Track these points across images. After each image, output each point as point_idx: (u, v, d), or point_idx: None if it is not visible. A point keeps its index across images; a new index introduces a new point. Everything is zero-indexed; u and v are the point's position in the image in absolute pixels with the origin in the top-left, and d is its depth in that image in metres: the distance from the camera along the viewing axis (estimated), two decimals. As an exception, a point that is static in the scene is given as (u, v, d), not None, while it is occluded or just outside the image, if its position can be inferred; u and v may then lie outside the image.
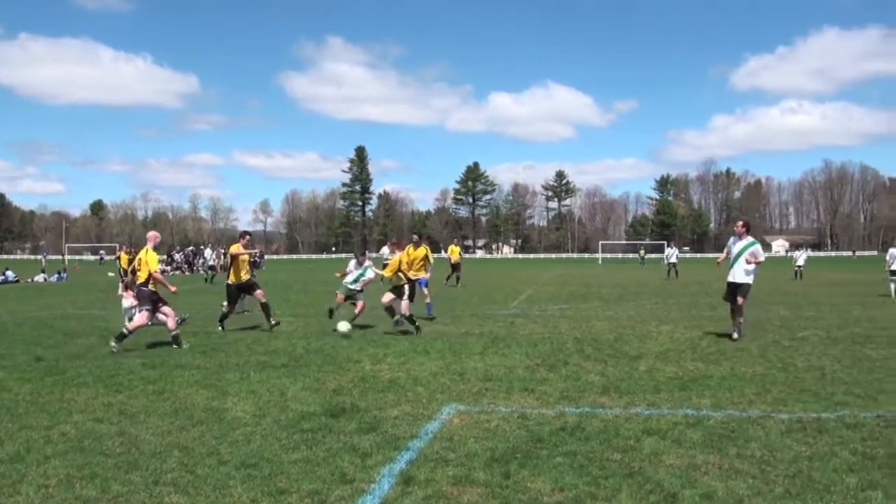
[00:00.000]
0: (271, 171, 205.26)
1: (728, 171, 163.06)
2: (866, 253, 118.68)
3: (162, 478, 5.54)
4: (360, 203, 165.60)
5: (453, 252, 33.15)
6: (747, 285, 13.32)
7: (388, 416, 7.42)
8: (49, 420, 7.34)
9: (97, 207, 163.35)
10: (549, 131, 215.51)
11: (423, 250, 17.70)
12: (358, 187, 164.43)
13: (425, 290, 17.95)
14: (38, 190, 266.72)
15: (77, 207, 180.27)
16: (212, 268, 40.74)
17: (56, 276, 42.32)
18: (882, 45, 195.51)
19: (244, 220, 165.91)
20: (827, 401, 8.10)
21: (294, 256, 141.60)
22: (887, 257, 25.42)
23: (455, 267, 31.90)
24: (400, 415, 7.51)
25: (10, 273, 40.03)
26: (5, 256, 78.12)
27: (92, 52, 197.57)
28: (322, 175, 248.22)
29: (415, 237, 18.07)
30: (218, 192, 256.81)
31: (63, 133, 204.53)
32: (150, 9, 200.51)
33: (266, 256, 76.30)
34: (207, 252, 47.86)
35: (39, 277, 41.30)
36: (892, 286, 24.32)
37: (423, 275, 17.48)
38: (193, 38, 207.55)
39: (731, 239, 13.81)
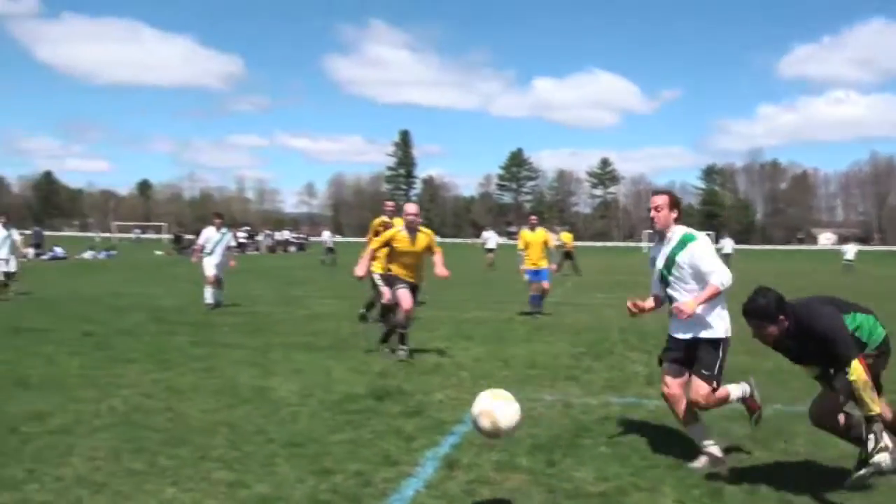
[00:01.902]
0: (315, 153, 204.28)
1: (774, 161, 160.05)
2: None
3: (209, 454, 5.59)
4: (404, 187, 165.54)
5: (567, 238, 30.41)
6: None
7: (432, 400, 7.41)
8: (98, 394, 7.44)
9: (144, 186, 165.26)
10: (593, 118, 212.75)
11: (542, 234, 15.36)
12: (402, 171, 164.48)
13: (545, 284, 15.20)
14: (84, 168, 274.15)
15: (123, 186, 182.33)
16: (330, 250, 40.94)
17: (104, 253, 43.13)
18: None
19: (289, 202, 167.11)
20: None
21: (339, 238, 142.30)
22: None
23: (568, 255, 29.84)
24: (444, 399, 7.49)
25: (58, 249, 40.62)
26: (53, 233, 79.69)
27: (134, 31, 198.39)
28: (365, 158, 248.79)
29: (533, 218, 15.62)
30: (262, 174, 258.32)
31: (106, 112, 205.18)
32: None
33: (311, 238, 77.59)
34: (326, 234, 46.68)
35: (88, 254, 41.96)
36: None
37: (544, 265, 15.21)
38: (237, 19, 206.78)
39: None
